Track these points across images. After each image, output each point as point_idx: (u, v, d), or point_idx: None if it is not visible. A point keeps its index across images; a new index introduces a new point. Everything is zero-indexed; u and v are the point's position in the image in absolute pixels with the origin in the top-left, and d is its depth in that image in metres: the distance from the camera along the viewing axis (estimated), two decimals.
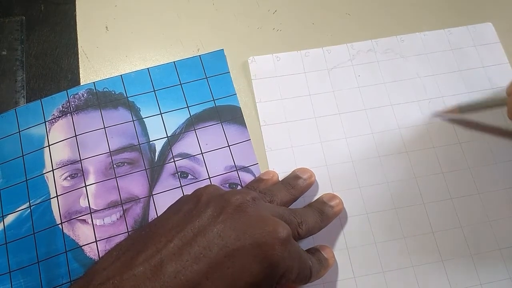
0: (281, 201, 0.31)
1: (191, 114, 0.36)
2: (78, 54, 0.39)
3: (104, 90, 0.37)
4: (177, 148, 0.35)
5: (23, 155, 0.35)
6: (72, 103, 0.36)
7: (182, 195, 0.33)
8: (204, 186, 0.28)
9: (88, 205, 0.33)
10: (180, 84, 0.37)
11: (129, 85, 0.37)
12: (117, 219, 0.33)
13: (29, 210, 0.33)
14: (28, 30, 0.40)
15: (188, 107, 0.36)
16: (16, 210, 0.33)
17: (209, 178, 0.34)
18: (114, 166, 0.34)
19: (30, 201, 0.33)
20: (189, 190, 0.33)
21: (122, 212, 0.33)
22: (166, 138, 0.35)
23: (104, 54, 0.39)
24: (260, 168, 0.35)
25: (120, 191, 0.33)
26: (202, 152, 0.35)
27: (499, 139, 0.36)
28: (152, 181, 0.34)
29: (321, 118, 0.36)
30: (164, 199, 0.33)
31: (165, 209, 0.28)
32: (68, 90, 0.36)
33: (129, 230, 0.32)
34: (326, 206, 0.32)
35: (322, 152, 0.35)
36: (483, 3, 0.41)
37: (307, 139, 0.36)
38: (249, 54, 0.38)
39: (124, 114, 0.36)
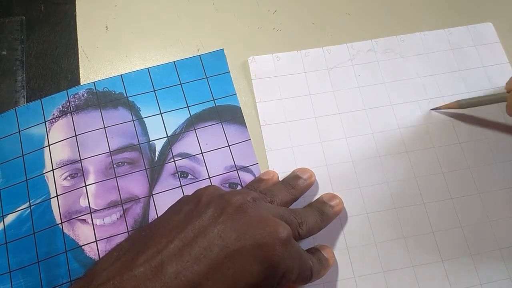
0: (281, 201, 0.31)
1: (191, 114, 0.36)
2: (78, 54, 0.39)
3: (104, 90, 0.37)
4: (177, 148, 0.35)
5: (23, 155, 0.35)
6: (72, 103, 0.36)
7: (182, 195, 0.34)
8: (205, 187, 0.28)
9: (88, 205, 0.33)
10: (180, 84, 0.37)
11: (129, 85, 0.37)
12: (117, 219, 0.33)
13: (29, 210, 0.33)
14: (28, 30, 0.40)
15: (188, 107, 0.36)
16: (16, 210, 0.33)
17: (209, 178, 0.34)
18: (114, 166, 0.34)
19: (30, 201, 0.33)
20: (189, 190, 0.33)
21: (122, 212, 0.33)
22: (166, 138, 0.35)
23: (104, 54, 0.39)
24: (260, 168, 0.35)
25: (120, 191, 0.33)
26: (202, 152, 0.35)
27: (499, 139, 0.36)
28: (152, 181, 0.34)
29: (321, 118, 0.36)
30: (164, 199, 0.33)
31: (166, 210, 0.28)
32: (68, 90, 0.36)
33: (129, 230, 0.32)
34: (326, 206, 0.32)
35: (322, 152, 0.35)
36: (483, 3, 0.41)
37: (307, 139, 0.36)
38: (249, 54, 0.38)
39: (124, 114, 0.36)
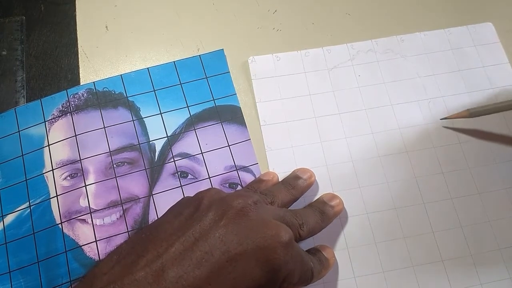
0: (281, 201, 0.30)
1: (191, 114, 0.36)
2: (78, 54, 0.39)
3: (104, 90, 0.37)
4: (177, 148, 0.35)
5: (22, 155, 0.35)
6: (72, 103, 0.36)
7: (182, 195, 0.33)
8: (206, 190, 0.28)
9: (88, 205, 0.33)
10: (180, 84, 0.37)
11: (129, 85, 0.37)
12: (117, 219, 0.33)
13: (29, 210, 0.33)
14: (28, 30, 0.40)
15: (188, 107, 0.36)
16: (16, 210, 0.33)
17: (209, 178, 0.34)
18: (114, 166, 0.34)
19: (30, 201, 0.33)
20: (189, 190, 0.33)
21: (122, 212, 0.33)
22: (166, 138, 0.35)
23: (104, 54, 0.39)
24: (260, 168, 0.35)
25: (120, 191, 0.33)
26: (202, 152, 0.35)
27: (499, 139, 0.36)
28: (152, 181, 0.34)
29: (321, 118, 0.36)
30: (164, 199, 0.33)
31: (166, 211, 0.28)
32: (68, 90, 0.36)
33: (129, 230, 0.32)
34: (327, 206, 0.32)
35: (322, 152, 0.35)
36: (483, 3, 0.41)
37: (307, 139, 0.36)
38: (249, 54, 0.38)
39: (124, 114, 0.36)
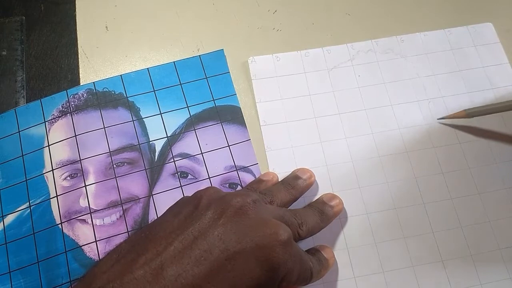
0: (281, 201, 0.31)
1: (191, 114, 0.36)
2: (78, 54, 0.39)
3: (104, 90, 0.37)
4: (177, 148, 0.35)
5: (22, 155, 0.35)
6: (72, 103, 0.36)
7: (182, 195, 0.33)
8: (204, 188, 0.28)
9: (88, 205, 0.33)
10: (180, 84, 0.37)
11: (129, 85, 0.37)
12: (117, 219, 0.33)
13: (29, 210, 0.33)
14: (28, 30, 0.40)
15: (188, 107, 0.36)
16: (16, 210, 0.33)
17: (209, 178, 0.34)
18: (114, 166, 0.34)
19: (30, 201, 0.33)
20: (189, 190, 0.33)
21: (122, 212, 0.33)
22: (166, 138, 0.35)
23: (104, 54, 0.39)
24: (260, 168, 0.35)
25: (120, 191, 0.33)
26: (202, 152, 0.35)
27: (499, 139, 0.36)
28: (152, 181, 0.34)
29: (321, 118, 0.36)
30: (164, 199, 0.33)
31: (165, 211, 0.28)
32: (68, 90, 0.36)
33: (129, 230, 0.32)
34: (326, 206, 0.32)
35: (322, 152, 0.35)
36: (483, 3, 0.41)
37: (307, 139, 0.36)
38: (249, 54, 0.38)
39: (124, 114, 0.36)
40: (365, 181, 0.34)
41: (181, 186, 0.34)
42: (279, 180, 0.34)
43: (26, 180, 0.34)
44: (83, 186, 0.33)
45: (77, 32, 0.39)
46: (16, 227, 0.33)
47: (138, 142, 0.35)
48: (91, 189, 0.33)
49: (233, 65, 0.38)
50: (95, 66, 0.38)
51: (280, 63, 0.38)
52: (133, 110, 0.36)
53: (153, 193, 0.34)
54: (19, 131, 0.35)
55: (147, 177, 0.34)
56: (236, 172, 0.34)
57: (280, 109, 0.36)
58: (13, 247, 0.32)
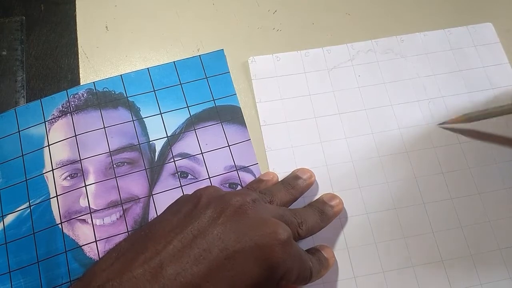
0: (281, 201, 0.31)
1: (191, 114, 0.36)
2: (78, 54, 0.39)
3: (104, 90, 0.37)
4: (177, 148, 0.35)
5: (22, 155, 0.35)
6: (72, 103, 0.36)
7: (182, 195, 0.33)
8: (204, 187, 0.28)
9: (88, 205, 0.33)
10: (180, 84, 0.37)
11: (129, 85, 0.37)
12: (117, 219, 0.33)
13: (29, 210, 0.33)
14: (28, 30, 0.40)
15: (188, 107, 0.36)
16: (16, 210, 0.33)
17: (209, 178, 0.34)
18: (114, 166, 0.34)
19: (30, 201, 0.33)
20: (189, 190, 0.33)
21: (122, 212, 0.33)
22: (166, 138, 0.35)
23: (104, 54, 0.39)
24: (260, 168, 0.35)
25: (120, 191, 0.33)
26: (202, 152, 0.35)
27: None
28: (152, 181, 0.34)
29: (321, 118, 0.36)
30: (164, 199, 0.33)
31: (165, 209, 0.28)
32: (68, 90, 0.36)
33: (129, 230, 0.32)
34: (326, 206, 0.32)
35: (322, 152, 0.35)
36: (483, 3, 0.41)
37: (307, 139, 0.36)
38: (249, 54, 0.38)
39: (124, 114, 0.36)
40: (365, 181, 0.34)
41: (181, 186, 0.34)
42: (279, 180, 0.34)
43: (26, 180, 0.34)
44: (83, 186, 0.33)
45: (77, 32, 0.39)
46: (16, 227, 0.33)
47: (138, 142, 0.35)
48: (91, 189, 0.33)
49: (233, 65, 0.38)
50: (95, 66, 0.38)
51: (280, 63, 0.38)
52: (133, 110, 0.36)
53: (153, 193, 0.34)
54: (19, 131, 0.35)
55: (147, 177, 0.34)
56: (236, 172, 0.34)
57: (280, 109, 0.36)
58: (13, 247, 0.32)
